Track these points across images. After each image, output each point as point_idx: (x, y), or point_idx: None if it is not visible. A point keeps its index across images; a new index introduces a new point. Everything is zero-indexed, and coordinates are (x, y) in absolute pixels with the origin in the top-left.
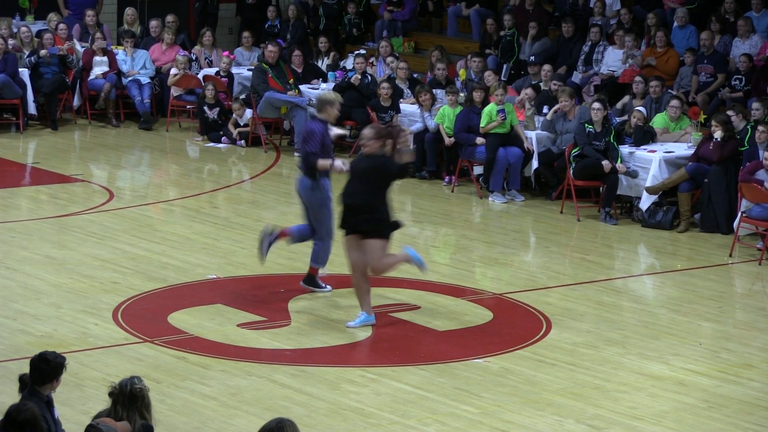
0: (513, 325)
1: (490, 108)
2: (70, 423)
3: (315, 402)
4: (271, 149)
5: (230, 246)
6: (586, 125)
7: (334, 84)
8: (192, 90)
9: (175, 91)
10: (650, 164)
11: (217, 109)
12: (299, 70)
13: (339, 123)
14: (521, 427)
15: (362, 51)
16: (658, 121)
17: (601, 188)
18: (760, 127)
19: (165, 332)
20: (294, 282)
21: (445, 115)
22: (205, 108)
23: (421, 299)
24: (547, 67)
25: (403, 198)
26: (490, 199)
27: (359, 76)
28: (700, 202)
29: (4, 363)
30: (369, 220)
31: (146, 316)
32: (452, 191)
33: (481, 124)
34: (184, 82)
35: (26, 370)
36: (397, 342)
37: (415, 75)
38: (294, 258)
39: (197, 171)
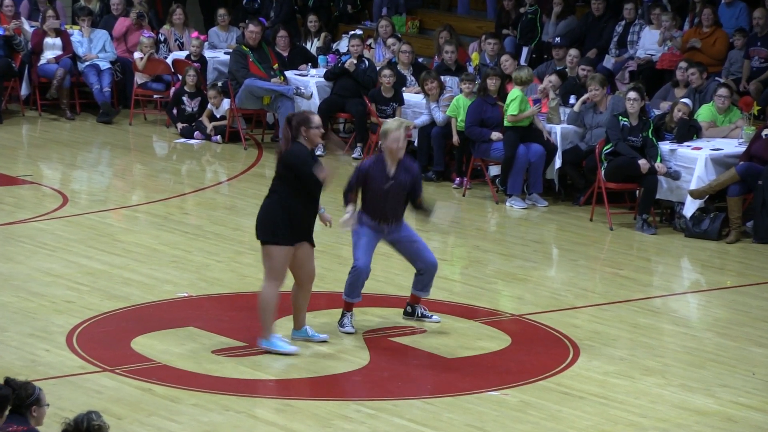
0: (534, 352)
1: (518, 94)
2: None
3: None
4: (252, 146)
5: (204, 259)
6: (620, 118)
7: (325, 70)
8: (159, 77)
9: (140, 78)
10: (695, 164)
11: (199, 99)
12: (285, 54)
13: (332, 114)
14: None
15: (358, 32)
16: (704, 113)
17: (637, 192)
18: None
19: (128, 360)
20: (280, 301)
21: (459, 106)
22: (185, 98)
23: (426, 321)
24: (573, 51)
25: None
26: (507, 204)
27: (354, 61)
28: (753, 207)
29: None
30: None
31: (106, 340)
32: (463, 195)
33: (512, 112)
34: (151, 68)
35: None
36: (398, 371)
37: (420, 60)
38: None
39: (165, 171)
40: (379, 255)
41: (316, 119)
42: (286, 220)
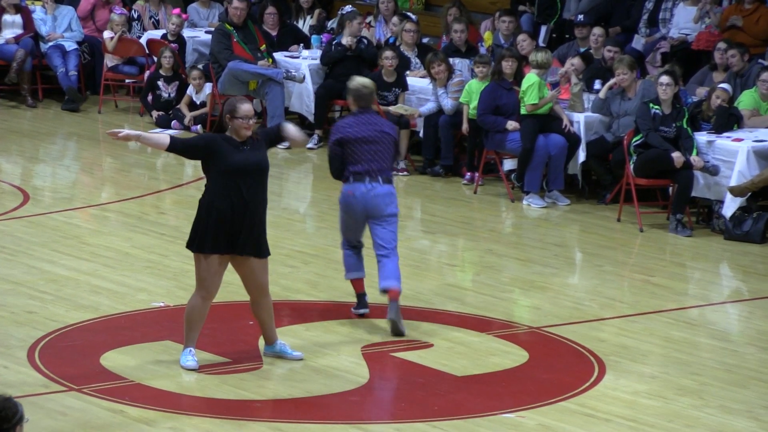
0: (554, 369)
1: (535, 79)
2: None
3: None
4: None
5: (182, 264)
6: (651, 106)
7: (321, 54)
8: (132, 59)
9: (110, 61)
10: (735, 157)
11: (176, 83)
12: (273, 34)
13: (323, 103)
14: None
15: (347, 8)
16: (746, 100)
17: (670, 189)
18: None
19: (97, 378)
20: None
21: (472, 92)
22: (160, 83)
23: (434, 334)
24: (597, 30)
25: (411, 201)
26: (524, 202)
27: (353, 39)
28: None
29: None
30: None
31: (72, 356)
32: (475, 192)
33: (528, 100)
34: (122, 49)
35: None
36: (402, 390)
37: (425, 40)
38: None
39: (139, 165)
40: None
41: (244, 108)
42: (210, 224)
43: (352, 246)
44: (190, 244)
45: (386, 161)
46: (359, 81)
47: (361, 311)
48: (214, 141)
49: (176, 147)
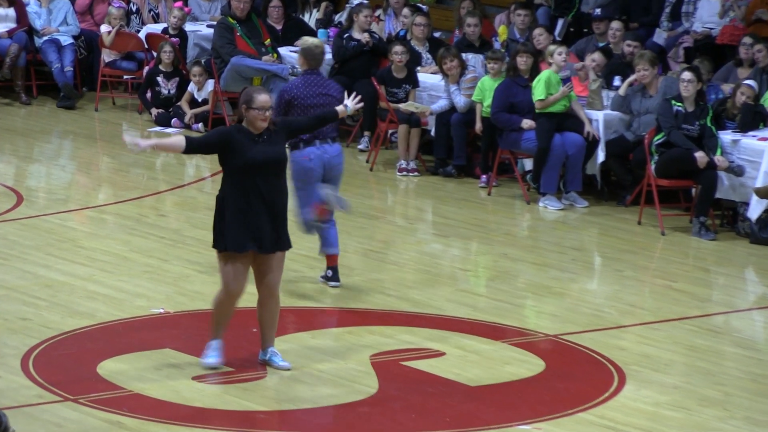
0: (572, 378)
1: (548, 75)
2: None
3: None
4: None
5: (182, 269)
6: (674, 103)
7: (332, 49)
8: (130, 54)
9: (107, 56)
10: (761, 157)
11: (177, 79)
12: (278, 27)
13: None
14: None
15: (365, 0)
16: None
17: (693, 190)
18: None
19: (93, 387)
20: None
21: (485, 89)
22: (160, 79)
23: (446, 342)
24: (615, 24)
25: (422, 202)
26: (540, 204)
27: (369, 38)
28: None
29: None
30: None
31: (67, 365)
32: (489, 194)
33: (538, 97)
34: (120, 44)
35: None
36: (413, 401)
37: (437, 34)
38: None
39: (137, 165)
40: (390, 265)
41: (261, 99)
42: (229, 221)
43: (316, 226)
44: (216, 243)
45: (334, 123)
46: (311, 41)
47: (334, 284)
48: (228, 135)
49: (192, 147)
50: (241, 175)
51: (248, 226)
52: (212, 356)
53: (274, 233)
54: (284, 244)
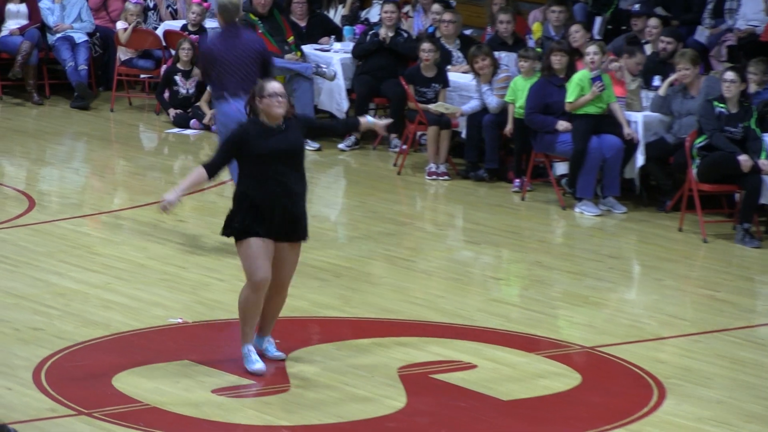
0: (609, 393)
1: (581, 75)
2: None
3: None
4: None
5: (201, 276)
6: (716, 104)
7: (354, 45)
8: (148, 52)
9: (123, 54)
10: None
11: (196, 79)
12: (302, 24)
13: (366, 102)
14: None
15: None
16: None
17: (737, 195)
18: None
19: (108, 401)
20: (295, 329)
21: (517, 89)
22: (178, 78)
23: (477, 354)
24: (653, 21)
25: (452, 208)
26: (576, 209)
27: (390, 33)
28: None
29: None
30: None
31: (81, 377)
32: (522, 199)
33: (568, 99)
34: (137, 41)
35: None
36: (443, 416)
37: (468, 32)
38: (295, 295)
39: (154, 168)
40: (419, 273)
41: (271, 85)
42: (245, 211)
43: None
44: (224, 230)
45: (257, 75)
46: None
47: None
48: (241, 134)
49: (214, 168)
50: (258, 167)
51: (263, 214)
52: (257, 360)
53: (290, 224)
54: (300, 234)
